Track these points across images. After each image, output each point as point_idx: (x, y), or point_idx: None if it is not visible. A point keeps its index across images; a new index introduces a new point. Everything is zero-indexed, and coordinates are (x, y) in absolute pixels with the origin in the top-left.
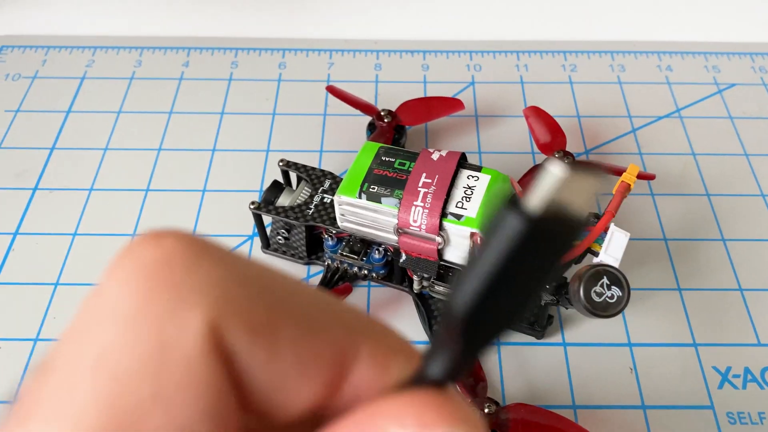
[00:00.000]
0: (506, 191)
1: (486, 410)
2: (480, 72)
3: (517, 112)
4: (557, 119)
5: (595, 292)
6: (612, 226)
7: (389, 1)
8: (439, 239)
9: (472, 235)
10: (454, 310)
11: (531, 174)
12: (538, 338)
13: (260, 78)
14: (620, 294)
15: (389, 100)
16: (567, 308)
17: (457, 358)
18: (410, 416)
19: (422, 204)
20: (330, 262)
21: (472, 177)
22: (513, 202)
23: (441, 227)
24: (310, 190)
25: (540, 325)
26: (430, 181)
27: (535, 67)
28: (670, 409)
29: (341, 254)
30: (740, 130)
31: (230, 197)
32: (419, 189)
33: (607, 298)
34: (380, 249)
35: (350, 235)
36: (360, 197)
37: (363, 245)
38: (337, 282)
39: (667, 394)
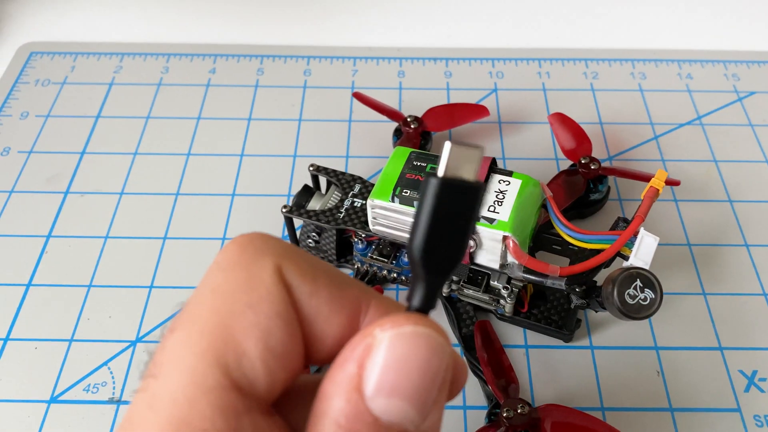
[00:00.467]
0: (537, 196)
1: (520, 410)
2: (502, 79)
3: (540, 119)
4: (580, 126)
5: (628, 294)
6: (642, 230)
7: (412, 10)
8: (471, 242)
9: (505, 238)
10: (413, 253)
11: (559, 179)
12: (566, 341)
13: (286, 84)
14: (653, 296)
15: (413, 106)
16: (597, 311)
17: (425, 289)
18: (388, 322)
19: None
20: (359, 265)
21: (504, 182)
22: (431, 174)
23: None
24: (340, 195)
25: (568, 329)
26: None
27: (557, 75)
28: (698, 412)
29: (371, 257)
30: (761, 137)
31: (259, 201)
32: None
33: (640, 301)
34: None
35: (380, 239)
36: (393, 201)
37: (392, 249)
38: (368, 284)
39: (694, 397)
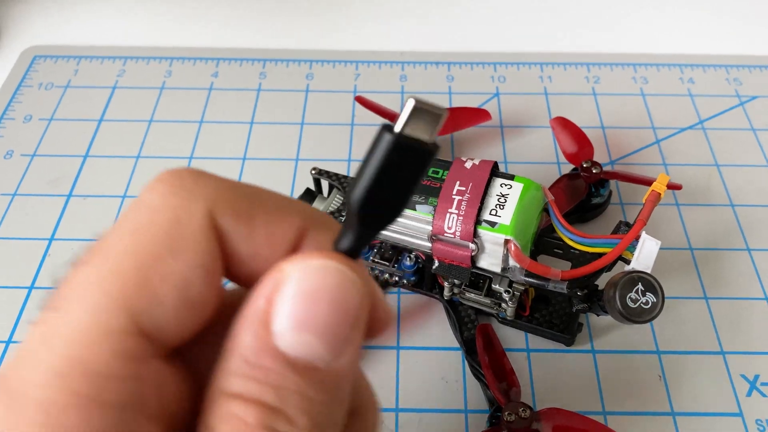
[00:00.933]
0: (539, 199)
1: (522, 414)
2: (504, 83)
3: (542, 123)
4: (582, 130)
5: (630, 298)
6: (643, 234)
7: (414, 14)
8: (473, 246)
9: (506, 242)
10: (350, 203)
11: (560, 183)
12: (567, 345)
13: (288, 88)
14: (655, 300)
15: None
16: (599, 315)
17: (354, 238)
18: (299, 257)
19: (457, 211)
20: None
21: (505, 185)
22: (386, 126)
23: (475, 234)
24: (342, 198)
25: (569, 333)
26: (464, 188)
27: (559, 79)
28: (700, 416)
29: (373, 261)
30: (763, 141)
31: None
32: (453, 196)
33: (641, 304)
34: (411, 256)
35: (381, 242)
36: None
37: (394, 252)
38: None
39: (696, 402)
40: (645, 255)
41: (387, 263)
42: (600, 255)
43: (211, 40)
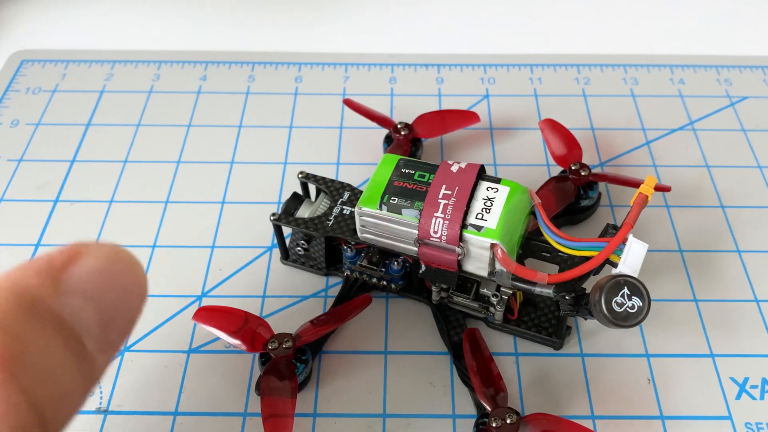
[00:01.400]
0: (526, 203)
1: (508, 420)
2: (494, 85)
3: (532, 125)
4: (572, 132)
5: (615, 302)
6: (630, 237)
7: (403, 16)
8: (459, 250)
9: (493, 246)
10: None
11: (549, 185)
12: (556, 349)
13: (277, 92)
14: (641, 304)
15: (404, 112)
16: (586, 318)
17: None
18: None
19: (443, 215)
20: (349, 273)
21: (492, 189)
22: None
23: (461, 238)
24: (329, 202)
25: (558, 336)
26: (450, 192)
27: (549, 81)
28: (689, 420)
29: (360, 265)
30: (753, 142)
31: (249, 209)
32: (439, 200)
33: (627, 308)
34: (399, 260)
35: (369, 247)
36: (381, 209)
37: (382, 256)
38: (356, 293)
39: (686, 405)
40: (632, 258)
41: (375, 267)
42: (587, 258)
43: (199, 43)
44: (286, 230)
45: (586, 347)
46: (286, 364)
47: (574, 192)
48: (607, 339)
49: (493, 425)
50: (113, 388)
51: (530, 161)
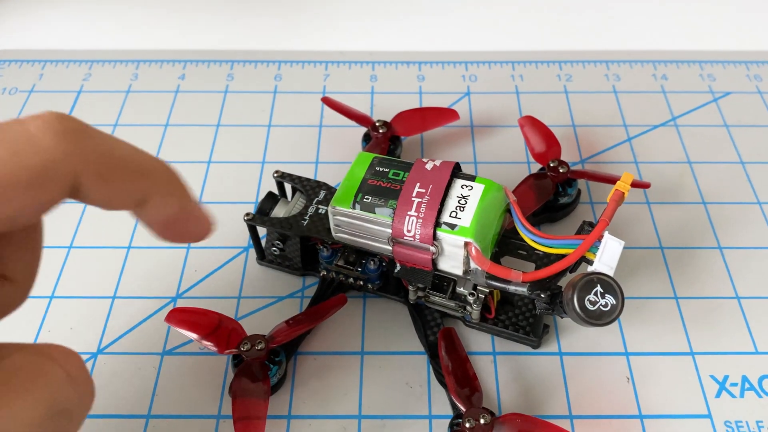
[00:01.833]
0: (501, 200)
1: (481, 420)
2: (475, 82)
3: (513, 122)
4: (553, 129)
5: (588, 300)
6: (606, 235)
7: (384, 13)
8: (433, 249)
9: (466, 244)
10: None
11: (527, 183)
12: (534, 348)
13: (256, 90)
14: (614, 302)
15: (385, 111)
16: (562, 317)
17: None
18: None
19: (416, 214)
20: (325, 273)
21: (466, 186)
22: None
23: (435, 237)
24: (305, 201)
25: (536, 335)
26: (423, 191)
27: (531, 77)
28: (668, 419)
29: (336, 265)
30: (736, 138)
31: (226, 209)
32: (413, 199)
33: (600, 307)
34: (375, 260)
35: (345, 246)
36: (354, 207)
37: (358, 256)
38: (333, 293)
39: (665, 404)
40: (608, 255)
41: (351, 267)
42: (563, 256)
43: (178, 41)
44: (262, 230)
45: (565, 346)
46: (259, 365)
47: (553, 189)
48: (585, 338)
49: (467, 426)
50: None
51: (511, 159)
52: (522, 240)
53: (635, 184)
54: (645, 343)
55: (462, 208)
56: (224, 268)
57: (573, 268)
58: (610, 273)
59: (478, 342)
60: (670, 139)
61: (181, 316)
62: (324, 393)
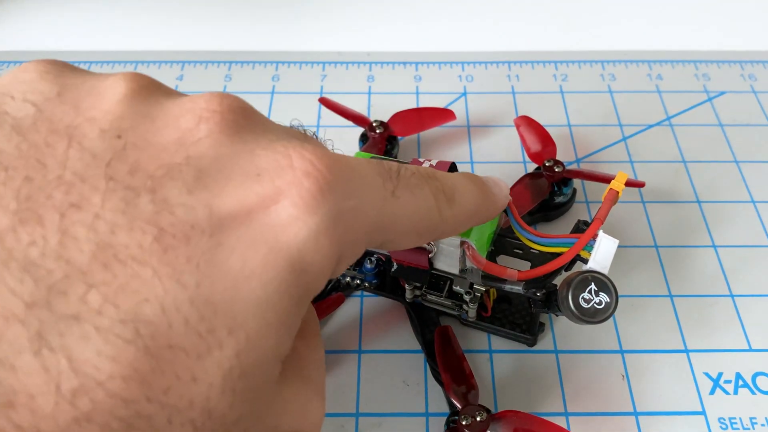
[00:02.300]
0: None
1: (478, 417)
2: (472, 83)
3: (509, 122)
4: (549, 129)
5: (583, 298)
6: (600, 233)
7: (382, 13)
8: (429, 248)
9: (462, 243)
10: None
11: (522, 182)
12: (529, 346)
13: (254, 90)
14: (608, 300)
15: (382, 111)
16: (557, 315)
17: None
18: None
19: None
20: None
21: None
22: None
23: None
24: None
25: (531, 333)
26: None
27: (527, 78)
28: (662, 416)
29: None
30: (730, 137)
31: None
32: None
33: (595, 305)
34: (372, 259)
35: None
36: None
37: None
38: (330, 292)
39: (659, 401)
40: (602, 254)
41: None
42: (558, 255)
43: (175, 42)
44: None
45: (560, 344)
46: None
47: (548, 188)
48: (581, 335)
49: (463, 423)
50: None
51: (507, 158)
52: (518, 239)
53: (630, 184)
54: (640, 341)
55: None
56: None
57: (568, 267)
58: (605, 271)
59: (474, 340)
60: (665, 138)
61: None
62: None
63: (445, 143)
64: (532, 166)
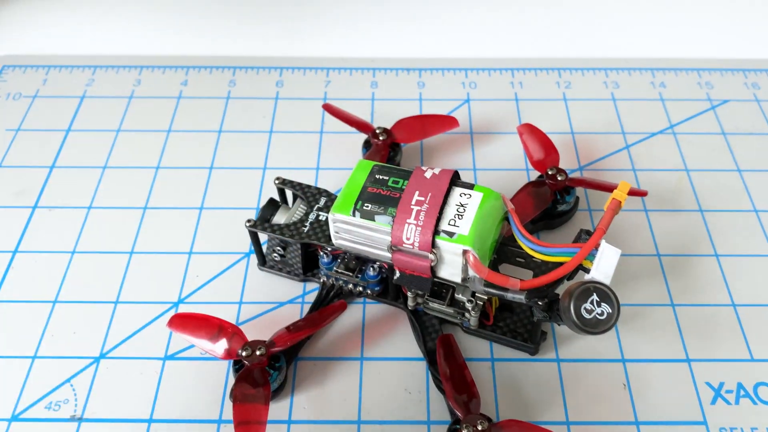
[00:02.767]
0: (499, 208)
1: (479, 427)
2: (475, 89)
3: (512, 129)
4: (551, 136)
5: (585, 309)
6: (603, 243)
7: (385, 20)
8: (432, 256)
9: (465, 252)
10: None
11: (525, 190)
12: (531, 354)
13: (258, 96)
14: (610, 311)
15: (385, 117)
16: (559, 324)
17: None
18: None
19: (415, 222)
20: (325, 279)
21: (465, 195)
22: None
23: (434, 244)
24: (305, 208)
25: (533, 342)
26: (423, 198)
27: (530, 85)
28: (664, 425)
29: (336, 271)
30: (733, 146)
31: (227, 215)
32: (412, 207)
33: (596, 315)
34: (375, 266)
35: (345, 253)
36: (354, 215)
37: (358, 262)
38: (332, 299)
39: (660, 410)
40: (605, 264)
41: (351, 273)
42: (560, 264)
43: (180, 48)
44: (263, 236)
45: (562, 352)
46: (259, 371)
47: (551, 197)
48: (583, 344)
49: None
50: (88, 395)
51: (510, 165)
52: (519, 247)
53: (633, 192)
54: (641, 350)
55: (461, 216)
56: (225, 273)
57: (570, 276)
58: (607, 281)
59: (476, 348)
60: (667, 146)
61: (183, 322)
62: (324, 398)
63: (448, 150)
64: (534, 174)
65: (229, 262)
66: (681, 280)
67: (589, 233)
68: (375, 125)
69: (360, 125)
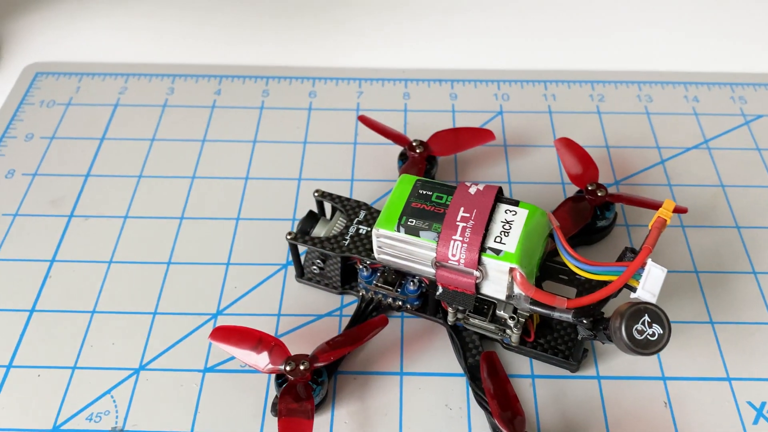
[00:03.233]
0: (544, 226)
1: None
2: (508, 101)
3: (546, 142)
4: (586, 149)
5: (636, 329)
6: (649, 262)
7: (417, 31)
8: (477, 273)
9: (512, 270)
10: None
11: (565, 206)
12: (572, 371)
13: (291, 106)
14: (661, 332)
15: (418, 128)
16: (604, 343)
17: None
18: None
19: (461, 238)
20: (364, 293)
21: (510, 212)
22: None
23: (480, 262)
24: (345, 221)
25: (575, 359)
26: (468, 215)
27: (563, 97)
28: None
29: (376, 285)
30: None
31: (264, 225)
32: (458, 223)
33: (648, 336)
34: (415, 280)
35: (385, 267)
36: (398, 230)
37: (398, 276)
38: (371, 313)
39: (702, 429)
40: (651, 283)
41: (390, 287)
42: (605, 282)
43: (213, 56)
44: (301, 248)
45: (603, 370)
46: (303, 386)
47: (591, 212)
48: (623, 362)
49: None
50: (129, 407)
51: (545, 179)
52: (561, 264)
53: (675, 209)
54: (682, 368)
55: (506, 233)
56: (263, 285)
57: (615, 295)
58: (653, 300)
59: (516, 365)
60: (702, 161)
61: (225, 334)
62: (364, 413)
63: (482, 163)
64: (570, 188)
65: (267, 274)
66: (719, 297)
67: (634, 251)
68: (409, 136)
69: (396, 137)
